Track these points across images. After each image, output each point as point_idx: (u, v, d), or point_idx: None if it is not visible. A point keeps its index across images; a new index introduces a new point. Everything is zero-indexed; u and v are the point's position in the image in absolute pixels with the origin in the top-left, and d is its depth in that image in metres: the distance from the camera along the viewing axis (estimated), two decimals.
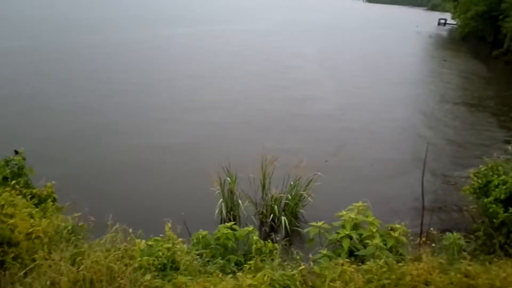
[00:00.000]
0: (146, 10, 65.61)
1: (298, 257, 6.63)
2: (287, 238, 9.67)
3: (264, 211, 10.03)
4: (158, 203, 10.21)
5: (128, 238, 4.46)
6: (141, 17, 54.82)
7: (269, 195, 10.05)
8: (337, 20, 77.31)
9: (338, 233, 6.70)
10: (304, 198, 10.23)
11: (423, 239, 6.60)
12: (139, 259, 4.07)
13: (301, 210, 10.22)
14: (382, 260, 4.55)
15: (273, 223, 9.79)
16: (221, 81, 23.08)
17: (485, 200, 7.79)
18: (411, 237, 7.09)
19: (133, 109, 17.51)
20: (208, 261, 5.97)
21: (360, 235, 6.56)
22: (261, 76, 24.70)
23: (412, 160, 12.71)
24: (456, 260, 4.50)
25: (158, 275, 3.91)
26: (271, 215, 9.65)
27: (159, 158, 12.83)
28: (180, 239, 4.95)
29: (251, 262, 5.41)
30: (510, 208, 7.14)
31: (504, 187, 7.46)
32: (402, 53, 38.58)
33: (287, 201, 9.87)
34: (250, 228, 7.03)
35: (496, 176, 8.00)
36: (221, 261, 5.88)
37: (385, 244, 6.34)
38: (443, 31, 71.34)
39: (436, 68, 33.33)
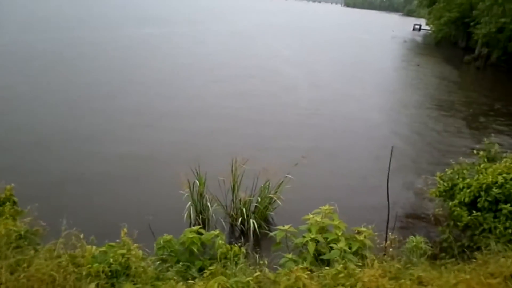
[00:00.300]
0: (122, 9, 64.70)
1: (261, 262, 6.57)
2: (257, 242, 9.69)
3: (234, 214, 9.91)
4: (124, 208, 9.96)
5: (79, 244, 4.26)
6: (114, 16, 53.97)
7: (239, 198, 9.96)
8: (314, 24, 78.05)
9: (304, 237, 6.64)
10: (274, 201, 10.18)
11: (388, 242, 6.59)
12: (88, 266, 3.88)
13: (271, 213, 10.14)
14: (341, 266, 4.49)
15: (242, 227, 9.69)
16: (193, 84, 22.81)
17: (450, 203, 7.89)
18: (378, 240, 7.10)
19: (97, 113, 17.05)
20: (170, 266, 5.84)
21: (326, 238, 6.52)
22: (235, 79, 24.57)
23: (381, 164, 12.85)
24: (415, 265, 4.47)
25: (107, 283, 3.73)
26: (240, 219, 9.53)
27: (126, 163, 12.52)
28: (135, 244, 4.76)
29: (212, 267, 5.29)
30: (474, 212, 7.24)
31: (469, 190, 7.55)
32: (376, 58, 39.16)
33: (256, 204, 9.78)
34: (216, 232, 6.91)
35: (461, 179, 8.12)
36: (182, 267, 5.74)
37: (351, 248, 6.32)
38: (418, 36, 72.91)
39: (410, 73, 33.95)
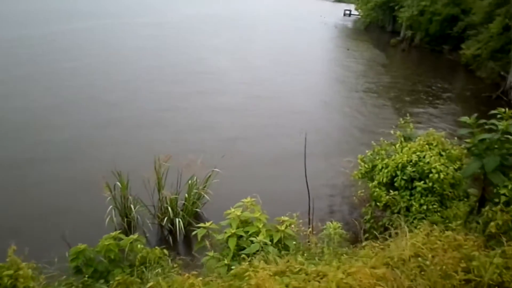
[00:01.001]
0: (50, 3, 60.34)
1: (180, 263, 6.28)
2: (186, 241, 9.37)
3: (160, 214, 9.52)
4: (39, 219, 9.22)
5: None
6: (41, 11, 50.29)
7: (165, 197, 9.56)
8: (246, 13, 77.67)
9: (225, 232, 6.43)
10: (203, 196, 9.89)
11: (310, 229, 6.56)
12: None
13: (199, 210, 9.86)
14: (247, 263, 4.35)
15: (171, 227, 9.33)
16: (116, 77, 21.71)
17: (370, 184, 8.04)
18: (303, 228, 7.05)
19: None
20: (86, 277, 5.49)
21: (247, 232, 6.34)
22: (161, 69, 23.77)
23: (311, 150, 12.99)
24: (324, 254, 4.41)
25: None
26: (166, 218, 9.15)
27: (38, 167, 11.62)
28: (24, 263, 4.27)
29: (118, 277, 4.93)
30: (391, 191, 7.41)
31: (386, 170, 7.70)
32: (307, 44, 39.68)
33: (183, 202, 9.44)
34: (135, 236, 6.52)
35: (380, 160, 8.28)
36: (87, 280, 5.34)
37: (272, 240, 6.20)
38: (348, 22, 74.90)
39: (339, 57, 34.83)
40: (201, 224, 6.84)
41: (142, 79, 21.43)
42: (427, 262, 3.28)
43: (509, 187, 4.84)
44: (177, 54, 28.94)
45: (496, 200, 4.92)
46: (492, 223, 4.38)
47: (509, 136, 4.97)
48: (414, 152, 7.63)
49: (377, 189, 7.69)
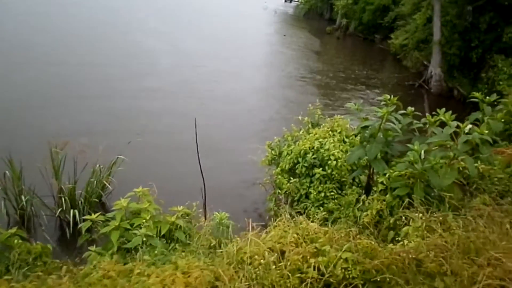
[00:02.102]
0: None
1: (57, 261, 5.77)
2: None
3: (57, 206, 8.78)
4: None
5: None
6: None
7: (64, 187, 8.83)
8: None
9: (109, 225, 5.96)
10: (106, 186, 9.28)
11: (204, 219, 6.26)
12: None
13: (104, 201, 9.25)
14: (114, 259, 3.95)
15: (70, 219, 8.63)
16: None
17: (274, 171, 7.89)
18: (201, 217, 6.77)
19: None
20: None
21: (132, 224, 5.92)
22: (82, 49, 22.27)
23: (226, 135, 12.75)
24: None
25: None
26: (59, 210, 8.45)
27: None
28: None
29: None
30: (291, 178, 7.29)
31: (289, 157, 7.56)
32: (243, 29, 39.13)
33: (82, 192, 8.77)
34: (14, 230, 5.89)
35: (286, 146, 8.14)
36: None
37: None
38: (289, 8, 75.24)
39: (274, 42, 34.75)
40: (87, 216, 6.34)
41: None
42: (272, 259, 3.06)
43: (387, 175, 4.80)
44: (106, 36, 27.25)
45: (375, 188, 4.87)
46: (364, 213, 4.30)
47: (390, 124, 4.91)
48: (317, 139, 7.54)
49: (280, 176, 7.54)
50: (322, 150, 7.19)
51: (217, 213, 5.56)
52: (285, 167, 7.55)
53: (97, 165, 9.07)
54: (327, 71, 25.42)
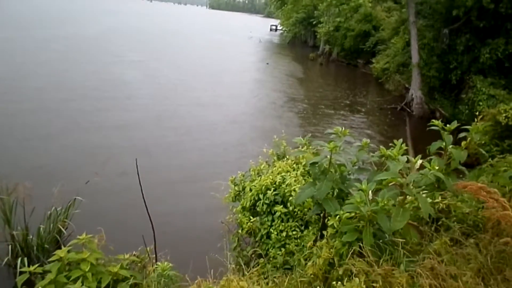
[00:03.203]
0: None
1: None
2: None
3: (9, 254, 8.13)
4: None
5: None
6: None
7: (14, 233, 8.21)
8: (178, 27, 76.45)
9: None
10: (66, 228, 8.68)
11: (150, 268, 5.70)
12: None
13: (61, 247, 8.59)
14: None
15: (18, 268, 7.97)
16: None
17: (235, 209, 7.36)
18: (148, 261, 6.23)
19: None
20: None
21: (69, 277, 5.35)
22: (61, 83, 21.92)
23: (195, 171, 12.29)
24: None
25: None
26: (5, 259, 7.79)
27: None
28: None
29: None
30: (251, 218, 6.76)
31: (250, 193, 7.06)
32: (228, 58, 39.40)
33: (36, 238, 8.15)
34: None
35: (249, 182, 7.65)
36: None
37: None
38: (274, 37, 76.57)
39: (257, 70, 34.80)
40: (24, 268, 5.74)
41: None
42: None
43: (337, 217, 4.33)
44: (86, 67, 27.02)
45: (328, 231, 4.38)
46: (309, 263, 3.80)
47: (339, 159, 4.47)
48: (280, 173, 7.07)
49: (240, 215, 7.01)
50: (283, 186, 6.71)
51: (159, 263, 5.01)
52: (246, 204, 7.03)
53: (53, 208, 8.50)
54: (309, 98, 25.27)
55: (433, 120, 5.21)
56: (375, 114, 23.31)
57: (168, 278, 4.93)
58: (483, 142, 15.03)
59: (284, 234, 6.36)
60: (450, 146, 5.15)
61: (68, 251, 5.66)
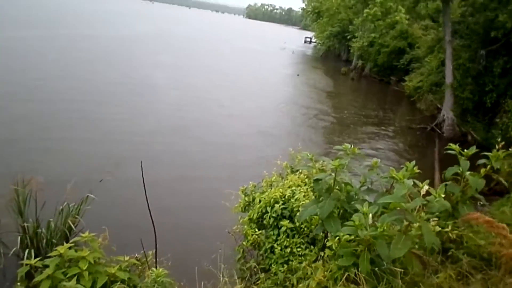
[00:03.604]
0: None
1: None
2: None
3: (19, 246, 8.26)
4: None
5: None
6: None
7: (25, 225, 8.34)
8: (214, 34, 77.67)
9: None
10: (76, 225, 8.75)
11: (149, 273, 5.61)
12: None
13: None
14: None
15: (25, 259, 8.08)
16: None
17: (242, 220, 7.20)
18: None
19: None
20: None
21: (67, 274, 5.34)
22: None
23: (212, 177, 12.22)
24: None
25: None
26: (13, 249, 7.90)
27: None
28: None
29: None
30: (256, 230, 6.58)
31: (258, 206, 6.89)
32: (258, 69, 39.45)
33: (42, 233, 8.24)
34: None
35: (259, 193, 7.48)
36: None
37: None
38: (308, 49, 76.38)
39: (288, 82, 34.65)
40: (25, 261, 5.77)
41: None
42: None
43: (337, 238, 4.10)
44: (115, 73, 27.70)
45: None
46: (300, 285, 3.59)
47: (343, 177, 4.25)
48: (290, 187, 6.88)
49: (246, 226, 6.84)
50: (292, 200, 6.51)
51: (154, 269, 4.90)
52: (253, 216, 6.86)
53: (65, 203, 8.58)
54: (335, 113, 24.88)
55: (450, 144, 4.92)
56: (403, 133, 22.69)
57: (161, 285, 4.81)
58: None
59: (288, 250, 6.13)
60: (468, 172, 4.85)
61: (70, 248, 5.67)
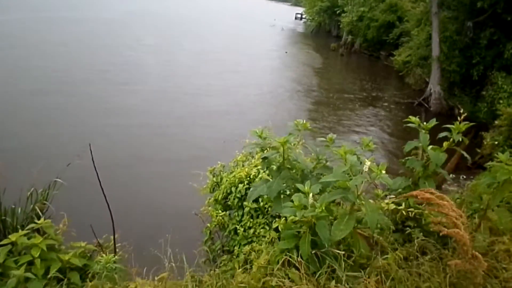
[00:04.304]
0: None
1: None
2: None
3: None
4: None
5: None
6: None
7: None
8: (196, 12, 76.03)
9: None
10: (45, 211, 8.53)
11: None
12: None
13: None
14: None
15: None
16: None
17: (207, 201, 7.01)
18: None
19: None
20: None
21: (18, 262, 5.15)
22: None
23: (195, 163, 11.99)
24: None
25: None
26: None
27: None
28: None
29: None
30: (220, 211, 6.38)
31: (223, 186, 6.67)
32: (246, 45, 38.77)
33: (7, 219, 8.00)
34: None
35: (226, 173, 7.26)
36: None
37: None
38: (299, 25, 75.04)
39: (275, 58, 34.10)
40: None
41: None
42: None
43: (282, 219, 3.90)
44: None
45: None
46: (239, 270, 3.40)
47: (290, 155, 4.03)
48: (256, 166, 6.65)
49: (211, 208, 6.65)
50: (257, 180, 6.29)
51: (103, 254, 4.71)
52: (218, 196, 6.65)
53: (32, 189, 8.33)
54: (322, 89, 24.57)
55: (410, 117, 4.69)
56: (389, 109, 22.46)
57: (110, 271, 4.62)
58: (496, 142, 14.23)
59: (251, 231, 5.95)
60: (430, 146, 4.64)
61: (25, 235, 5.47)
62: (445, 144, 4.58)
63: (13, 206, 8.01)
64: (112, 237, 6.16)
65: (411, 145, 4.59)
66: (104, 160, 10.97)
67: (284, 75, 27.00)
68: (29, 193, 8.45)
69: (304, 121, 4.45)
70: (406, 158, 4.72)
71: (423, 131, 4.55)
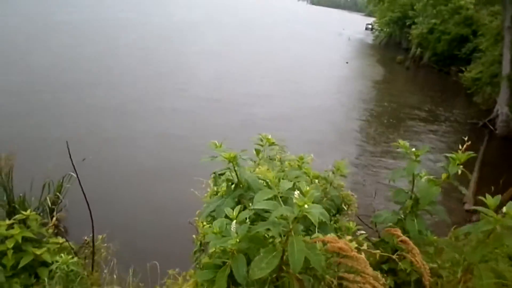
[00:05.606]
0: None
1: None
2: None
3: None
4: None
5: None
6: None
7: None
8: (270, 20, 76.76)
9: None
10: (59, 203, 8.75)
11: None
12: None
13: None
14: None
15: None
16: None
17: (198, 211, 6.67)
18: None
19: None
20: None
21: None
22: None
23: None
24: None
25: None
26: None
27: None
28: None
29: None
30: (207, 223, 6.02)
31: (219, 194, 6.31)
32: (309, 53, 38.17)
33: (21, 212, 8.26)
34: None
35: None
36: None
37: None
38: (368, 36, 72.84)
39: (334, 68, 33.15)
40: None
41: None
42: None
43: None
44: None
45: None
46: None
47: (243, 173, 3.57)
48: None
49: (201, 218, 6.29)
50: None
51: (62, 255, 4.55)
52: None
53: (48, 180, 8.59)
54: (379, 104, 23.28)
55: (400, 141, 3.99)
56: (453, 128, 20.71)
57: (64, 272, 4.44)
58: None
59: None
60: (425, 177, 3.96)
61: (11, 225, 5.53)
62: (443, 176, 3.85)
63: (20, 195, 8.28)
64: (100, 236, 6.04)
65: (398, 174, 3.91)
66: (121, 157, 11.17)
67: (336, 89, 26.05)
68: (44, 183, 8.72)
69: (270, 136, 3.95)
70: (399, 189, 4.06)
71: (413, 158, 3.85)
